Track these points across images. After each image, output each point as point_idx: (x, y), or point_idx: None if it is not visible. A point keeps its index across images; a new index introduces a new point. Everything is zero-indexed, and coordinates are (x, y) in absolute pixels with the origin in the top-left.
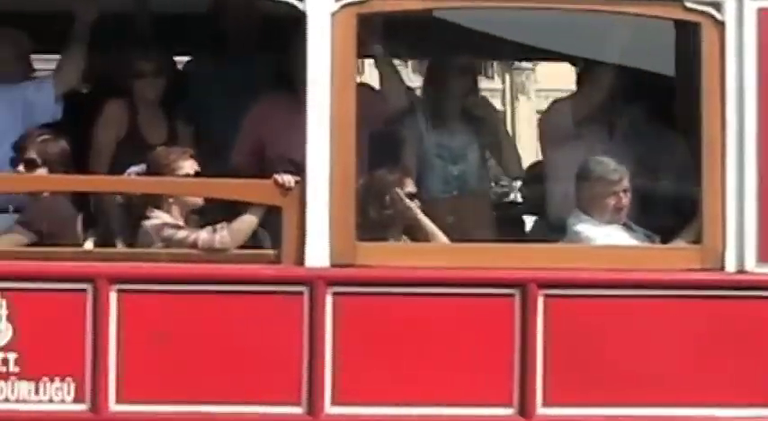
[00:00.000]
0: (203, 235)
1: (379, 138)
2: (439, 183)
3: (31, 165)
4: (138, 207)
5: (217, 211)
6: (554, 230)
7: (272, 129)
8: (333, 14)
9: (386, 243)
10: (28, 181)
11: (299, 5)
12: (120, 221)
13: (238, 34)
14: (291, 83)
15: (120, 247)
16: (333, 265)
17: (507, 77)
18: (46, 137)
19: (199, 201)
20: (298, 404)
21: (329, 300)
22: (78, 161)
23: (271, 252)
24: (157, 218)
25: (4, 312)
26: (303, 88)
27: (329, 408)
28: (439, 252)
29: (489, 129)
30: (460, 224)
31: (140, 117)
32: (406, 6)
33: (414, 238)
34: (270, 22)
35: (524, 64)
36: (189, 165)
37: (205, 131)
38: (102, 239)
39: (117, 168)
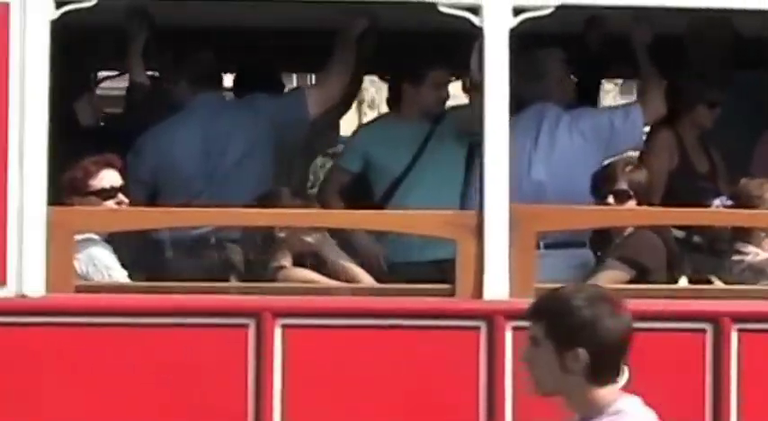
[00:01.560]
0: None
1: None
2: None
3: (622, 197)
4: (720, 241)
5: None
6: None
7: None
8: None
9: None
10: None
11: None
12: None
13: (709, 56)
14: None
15: (719, 284)
16: None
17: None
18: (632, 166)
19: None
20: None
21: None
22: None
23: None
24: (756, 254)
25: None
26: None
27: None
28: None
29: None
30: None
31: (687, 144)
32: None
33: None
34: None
35: None
36: None
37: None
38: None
39: (670, 199)
